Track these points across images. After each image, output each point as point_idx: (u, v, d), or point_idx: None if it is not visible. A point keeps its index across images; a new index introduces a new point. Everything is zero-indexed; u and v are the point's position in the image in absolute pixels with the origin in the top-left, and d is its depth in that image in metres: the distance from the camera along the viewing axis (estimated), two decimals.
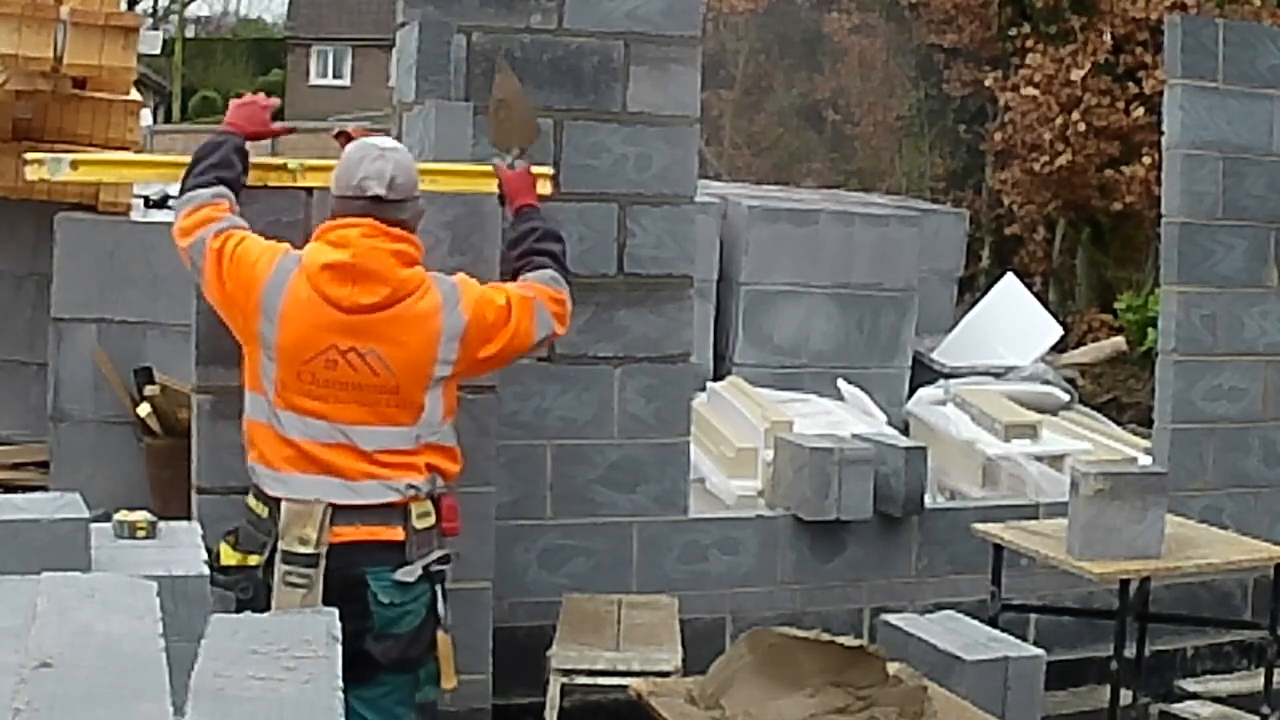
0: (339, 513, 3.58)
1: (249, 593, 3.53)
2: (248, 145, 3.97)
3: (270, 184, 4.17)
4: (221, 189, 3.80)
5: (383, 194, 3.62)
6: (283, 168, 4.20)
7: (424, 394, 3.65)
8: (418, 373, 3.62)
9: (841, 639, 3.75)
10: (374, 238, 3.60)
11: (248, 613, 3.43)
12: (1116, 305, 14.37)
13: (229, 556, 3.62)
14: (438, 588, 3.69)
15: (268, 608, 3.49)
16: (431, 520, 3.68)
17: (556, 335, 3.93)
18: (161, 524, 2.98)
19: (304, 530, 3.54)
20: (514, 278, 3.91)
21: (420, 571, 3.62)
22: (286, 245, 3.69)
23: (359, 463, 3.62)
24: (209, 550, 3.29)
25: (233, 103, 4.07)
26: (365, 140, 3.81)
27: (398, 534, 3.62)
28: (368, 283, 3.57)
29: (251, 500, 3.69)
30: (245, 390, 3.73)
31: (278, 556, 3.55)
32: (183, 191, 3.84)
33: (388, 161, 3.67)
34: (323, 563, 3.54)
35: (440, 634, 3.71)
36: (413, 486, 3.66)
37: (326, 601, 3.47)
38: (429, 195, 4.22)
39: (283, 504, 3.59)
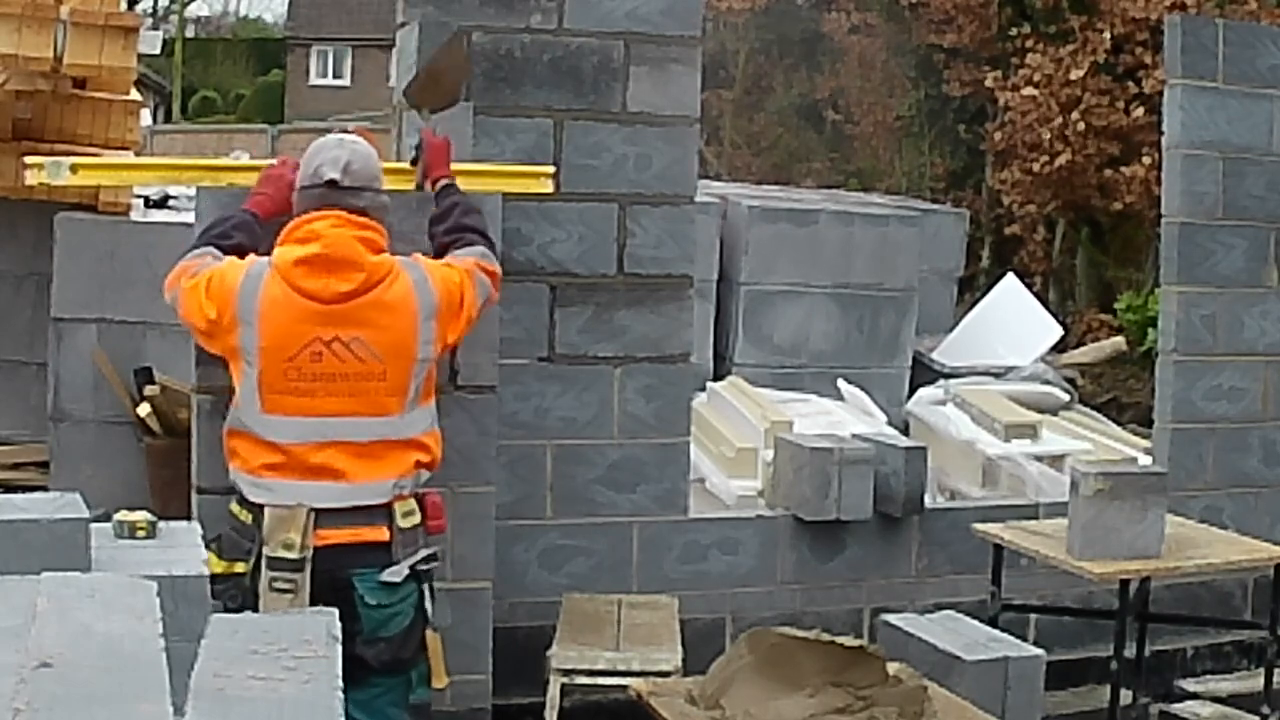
0: (323, 515, 3.58)
1: (237, 600, 3.51)
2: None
3: None
4: (209, 248, 3.82)
5: (338, 178, 3.66)
6: None
7: (410, 378, 3.67)
8: (403, 355, 3.65)
9: (841, 639, 3.75)
10: (341, 227, 3.64)
11: None
12: (1116, 305, 14.36)
13: (214, 565, 3.60)
14: (425, 587, 3.69)
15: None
16: (416, 519, 3.70)
17: (493, 301, 3.95)
18: (161, 524, 2.98)
19: (288, 535, 3.55)
20: (440, 254, 3.91)
21: (406, 571, 3.63)
22: (254, 255, 3.71)
23: (352, 460, 3.62)
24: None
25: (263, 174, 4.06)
26: (329, 135, 3.89)
27: (383, 534, 3.63)
28: (342, 271, 3.60)
29: (235, 507, 3.71)
30: (230, 405, 3.76)
31: (263, 562, 3.56)
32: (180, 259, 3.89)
33: (344, 149, 3.73)
34: (308, 566, 3.54)
35: (429, 633, 3.72)
36: (399, 485, 3.67)
37: (314, 605, 3.47)
38: (428, 195, 4.23)
39: (266, 509, 3.59)
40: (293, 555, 3.54)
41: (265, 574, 3.54)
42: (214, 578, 3.55)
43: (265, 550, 3.56)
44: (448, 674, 3.79)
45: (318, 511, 3.58)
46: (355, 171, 3.69)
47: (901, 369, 9.33)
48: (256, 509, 3.62)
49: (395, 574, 3.61)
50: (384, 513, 3.65)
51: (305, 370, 3.59)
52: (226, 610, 3.49)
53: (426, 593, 3.70)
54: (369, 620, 3.59)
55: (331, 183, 3.67)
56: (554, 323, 5.38)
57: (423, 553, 3.68)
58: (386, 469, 3.66)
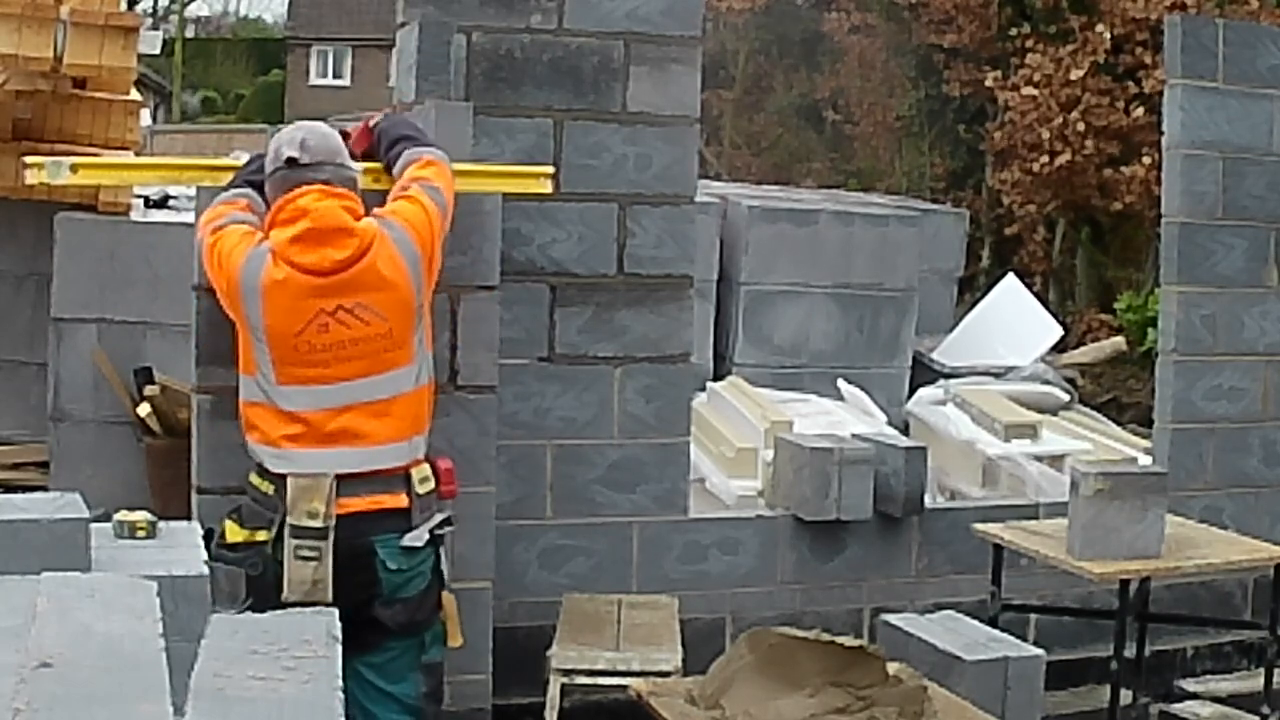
0: (344, 483, 3.64)
1: (258, 568, 3.59)
2: None
3: None
4: (246, 190, 3.89)
5: (295, 155, 3.72)
6: None
7: (413, 330, 3.75)
8: (405, 310, 3.72)
9: (841, 639, 3.75)
10: (325, 199, 3.68)
11: (257, 588, 3.54)
12: (1116, 305, 14.36)
13: (235, 534, 3.69)
14: (440, 549, 3.78)
15: (277, 582, 3.57)
16: (431, 484, 3.78)
17: (450, 198, 3.93)
18: (161, 524, 2.98)
19: (312, 504, 3.61)
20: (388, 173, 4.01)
21: (427, 536, 3.71)
22: (261, 234, 3.75)
23: (371, 420, 3.68)
24: (211, 532, 3.37)
25: None
26: None
27: (402, 501, 3.71)
28: (336, 240, 3.64)
29: (255, 478, 3.75)
30: (239, 375, 3.80)
31: (287, 531, 3.61)
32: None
33: (301, 129, 3.80)
34: (332, 534, 3.60)
35: (445, 594, 3.82)
36: (415, 445, 3.75)
37: (336, 571, 3.56)
38: None
39: (289, 479, 3.63)
40: (317, 524, 3.60)
41: (289, 542, 3.60)
42: (235, 546, 3.65)
43: (289, 519, 3.61)
44: (462, 634, 3.86)
45: (339, 480, 3.63)
46: (313, 147, 3.74)
47: (901, 369, 9.33)
48: (279, 479, 3.66)
49: (416, 539, 3.69)
50: (402, 479, 3.72)
51: (315, 343, 3.64)
52: (247, 578, 3.56)
53: (443, 555, 3.79)
54: (389, 584, 3.66)
55: (291, 160, 3.72)
56: (554, 323, 5.38)
57: (438, 516, 3.76)
58: (404, 426, 3.73)
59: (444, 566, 3.79)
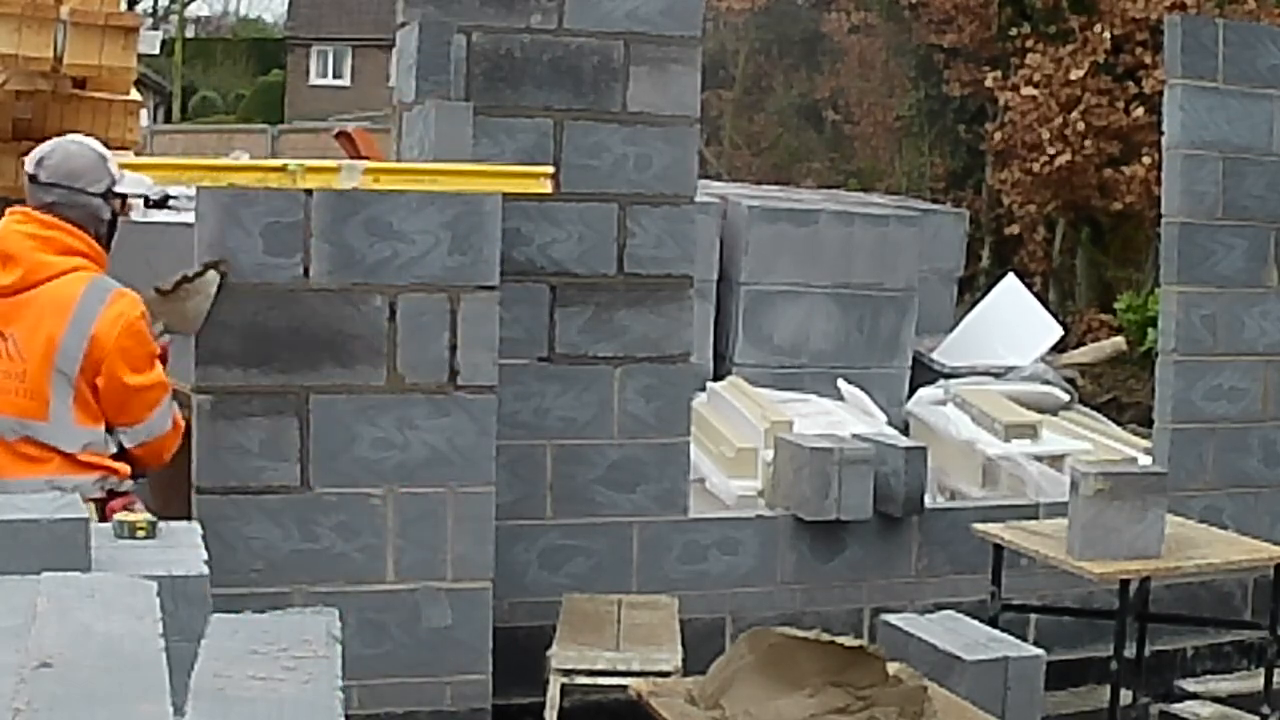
0: None
1: None
2: None
3: (270, 185, 4.18)
4: None
5: (31, 171, 3.70)
6: (282, 169, 4.22)
7: (48, 386, 3.61)
8: (42, 359, 3.60)
9: (841, 639, 3.75)
10: (23, 223, 3.67)
11: None
12: (1116, 305, 14.37)
13: None
14: None
15: None
16: None
17: (155, 442, 3.80)
18: (161, 524, 2.98)
19: None
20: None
21: None
22: None
23: (2, 455, 3.59)
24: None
25: None
26: None
27: None
28: (7, 265, 3.63)
29: None
30: None
31: None
32: None
33: (55, 145, 3.76)
34: None
35: None
36: (55, 484, 3.56)
37: None
38: (428, 195, 4.24)
39: None
40: None
41: None
42: None
43: None
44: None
45: None
46: (49, 166, 3.71)
47: (901, 369, 9.33)
48: None
49: None
50: None
51: None
52: None
53: None
54: None
55: (30, 176, 3.71)
56: (554, 323, 5.38)
57: None
58: (39, 469, 3.61)
59: None
